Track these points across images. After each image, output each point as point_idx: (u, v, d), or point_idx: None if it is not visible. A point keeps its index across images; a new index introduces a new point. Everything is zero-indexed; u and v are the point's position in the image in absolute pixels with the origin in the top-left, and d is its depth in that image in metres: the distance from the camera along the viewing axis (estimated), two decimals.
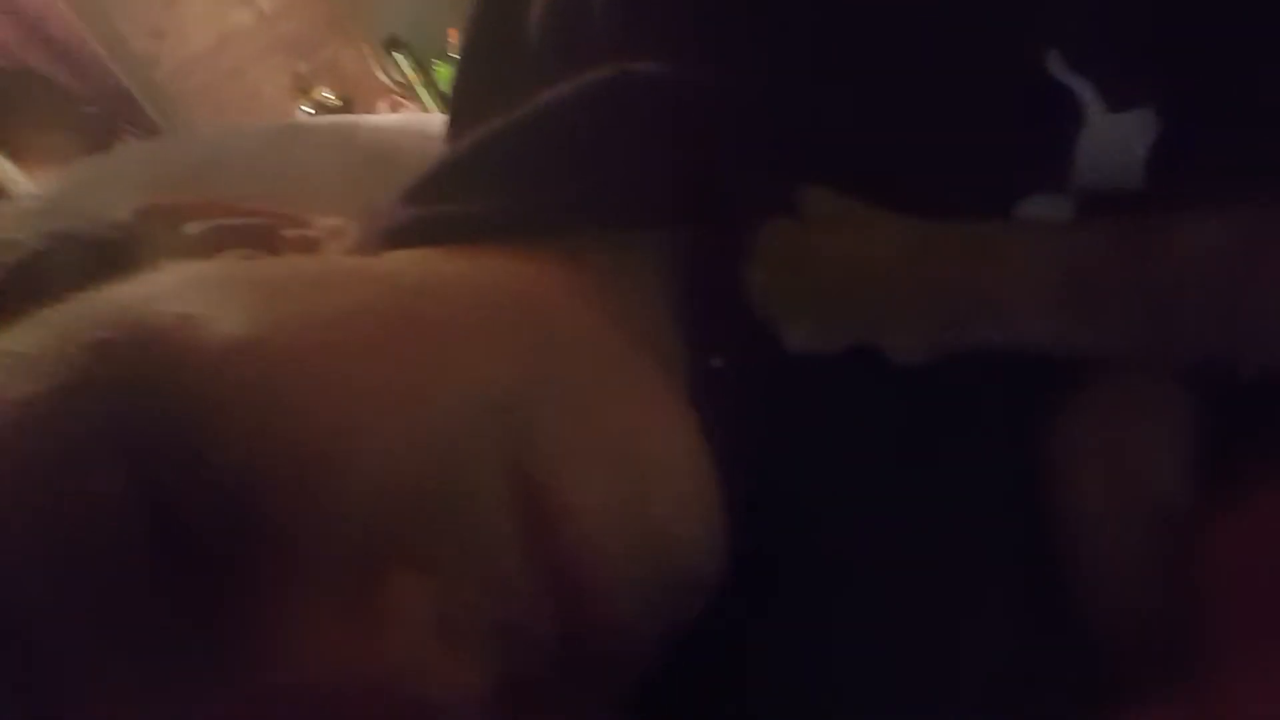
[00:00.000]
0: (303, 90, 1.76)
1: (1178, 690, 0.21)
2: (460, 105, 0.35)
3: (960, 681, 0.23)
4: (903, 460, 0.25)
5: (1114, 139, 0.23)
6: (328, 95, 1.75)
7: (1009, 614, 0.23)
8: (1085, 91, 0.23)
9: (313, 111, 1.70)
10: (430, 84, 1.61)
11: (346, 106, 1.73)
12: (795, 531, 0.25)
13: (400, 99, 1.63)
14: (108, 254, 0.25)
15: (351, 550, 0.19)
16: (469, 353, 0.22)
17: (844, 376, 0.25)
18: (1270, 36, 0.21)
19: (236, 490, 0.19)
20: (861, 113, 0.25)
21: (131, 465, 0.19)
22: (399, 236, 0.28)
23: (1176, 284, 0.21)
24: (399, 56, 1.70)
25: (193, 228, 0.27)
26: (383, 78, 1.71)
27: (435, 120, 0.54)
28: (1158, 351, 0.22)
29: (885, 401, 0.25)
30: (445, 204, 0.29)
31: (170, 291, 0.21)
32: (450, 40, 1.50)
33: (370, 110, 1.73)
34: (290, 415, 0.19)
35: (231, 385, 0.19)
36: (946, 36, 0.23)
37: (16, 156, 1.45)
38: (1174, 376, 0.23)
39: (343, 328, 0.21)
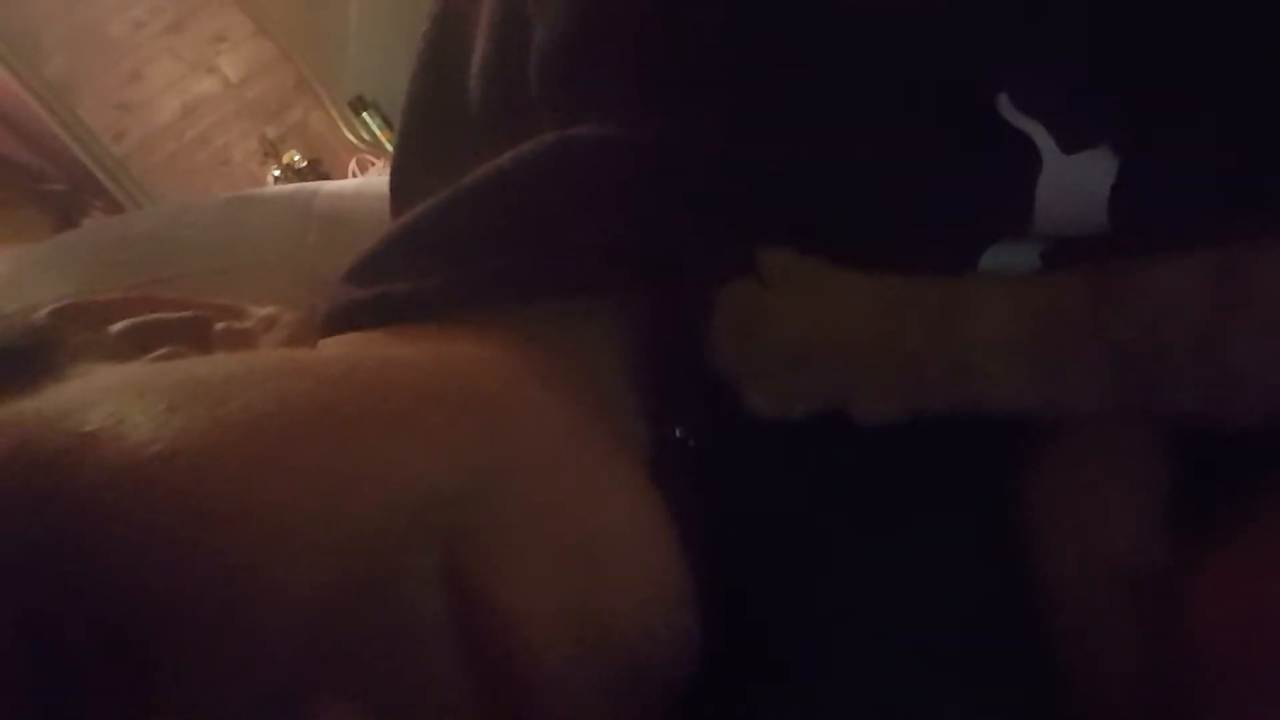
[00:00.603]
0: (271, 154, 1.76)
1: None
2: (401, 177, 0.34)
3: None
4: (873, 525, 0.24)
5: (1073, 181, 0.22)
6: (296, 157, 1.76)
7: (989, 680, 0.22)
8: (1039, 134, 0.22)
9: (280, 175, 1.70)
10: None
11: (315, 167, 1.73)
12: (769, 602, 0.24)
13: (369, 157, 1.64)
14: (23, 360, 0.23)
15: (262, 680, 0.18)
16: (400, 447, 0.20)
17: (810, 441, 0.24)
18: (1220, 66, 0.21)
19: (126, 618, 0.17)
20: (812, 167, 0.24)
21: (11, 593, 0.17)
22: (340, 320, 0.27)
23: (1152, 334, 0.20)
24: (366, 115, 1.71)
25: (117, 327, 0.25)
26: (350, 137, 1.71)
27: None
28: (1136, 408, 0.21)
29: (853, 465, 0.24)
30: (388, 283, 0.27)
31: (77, 404, 0.20)
32: None
33: (341, 169, 1.74)
34: (195, 532, 0.18)
35: (127, 506, 0.18)
36: (894, 85, 0.23)
37: None
38: (1145, 429, 0.21)
39: (258, 431, 0.19)
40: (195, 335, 0.25)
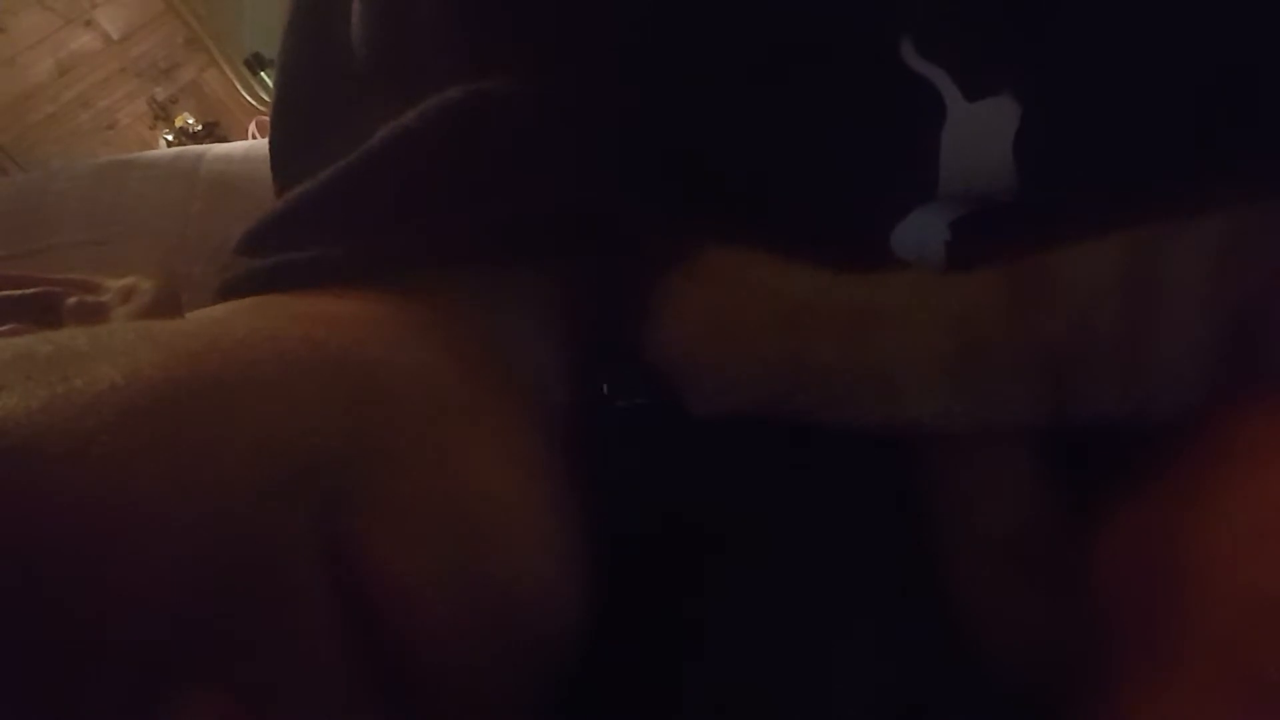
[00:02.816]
0: (162, 116, 1.66)
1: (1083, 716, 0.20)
2: (282, 139, 0.32)
3: None
4: (788, 500, 0.23)
5: (977, 131, 0.21)
6: (190, 120, 1.66)
7: (895, 651, 0.22)
8: (941, 81, 0.21)
9: (173, 139, 1.60)
10: None
11: (211, 130, 1.64)
12: (675, 568, 0.23)
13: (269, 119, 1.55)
14: None
15: (116, 676, 0.16)
16: (265, 416, 0.19)
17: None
18: (1119, 13, 0.20)
19: None
20: (718, 124, 0.23)
21: None
22: (234, 292, 0.25)
23: (1075, 331, 0.19)
24: (265, 74, 1.62)
25: None
26: (248, 98, 1.62)
27: None
28: (1059, 415, 0.20)
29: (775, 443, 0.23)
30: (288, 251, 0.25)
31: None
32: None
33: (240, 131, 1.65)
34: (28, 516, 0.16)
35: None
36: (797, 35, 0.22)
37: None
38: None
39: (102, 406, 0.17)
40: (42, 312, 0.23)
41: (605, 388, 0.26)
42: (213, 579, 0.17)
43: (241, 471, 0.18)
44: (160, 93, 1.68)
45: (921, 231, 0.22)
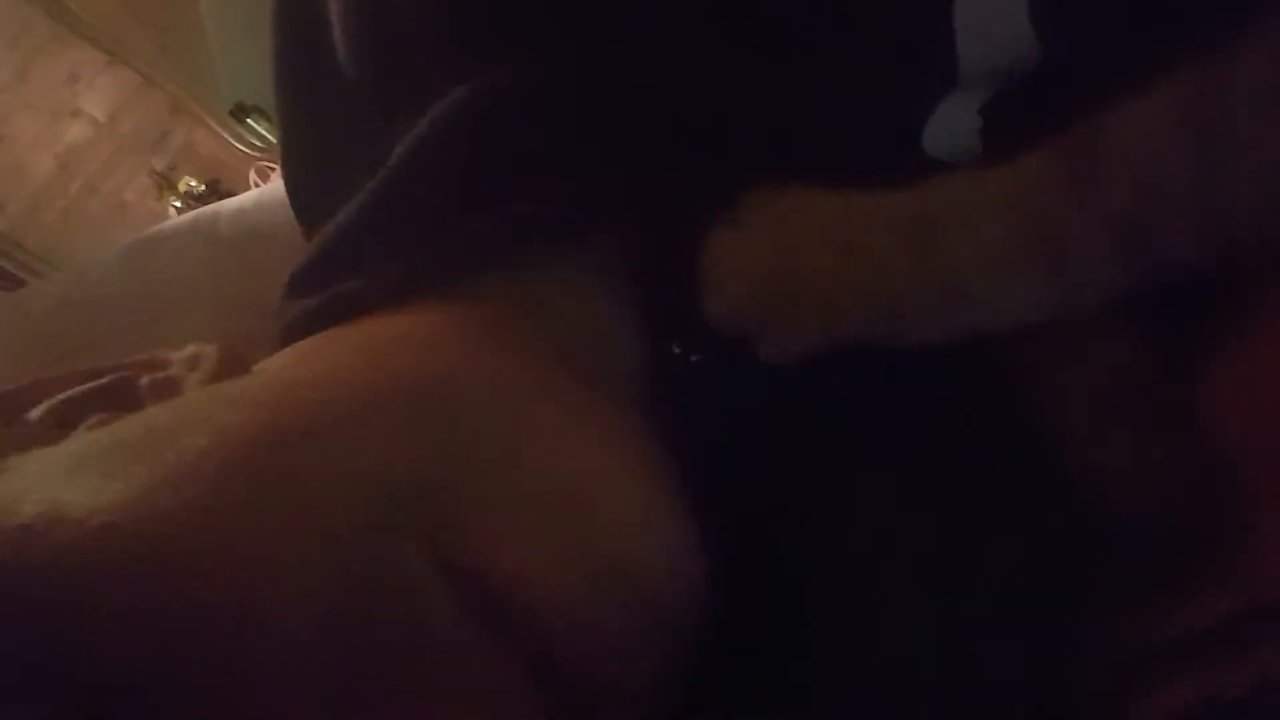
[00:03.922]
0: (166, 185, 1.68)
1: (1224, 568, 0.19)
2: (295, 175, 0.32)
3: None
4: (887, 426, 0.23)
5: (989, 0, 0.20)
6: (193, 183, 1.68)
7: (1022, 541, 0.22)
8: None
9: (181, 205, 1.63)
10: None
11: (215, 187, 1.66)
12: (773, 514, 0.23)
13: (266, 164, 1.56)
14: None
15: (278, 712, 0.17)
16: (352, 448, 0.19)
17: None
18: None
19: (120, 692, 0.16)
20: (740, 49, 0.22)
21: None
22: (293, 334, 0.26)
23: (1142, 192, 0.18)
24: (251, 121, 1.63)
25: (34, 413, 0.23)
26: (241, 148, 1.63)
27: None
28: (1140, 279, 0.19)
29: (855, 374, 0.23)
30: (337, 284, 0.26)
31: (7, 500, 0.18)
32: None
33: (242, 182, 1.66)
34: (159, 594, 0.17)
35: (80, 589, 0.16)
36: None
37: None
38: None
39: (198, 472, 0.18)
40: (122, 397, 0.23)
41: (676, 346, 0.26)
42: (342, 611, 0.17)
43: (344, 508, 0.18)
44: (158, 162, 1.70)
45: (952, 125, 0.21)
